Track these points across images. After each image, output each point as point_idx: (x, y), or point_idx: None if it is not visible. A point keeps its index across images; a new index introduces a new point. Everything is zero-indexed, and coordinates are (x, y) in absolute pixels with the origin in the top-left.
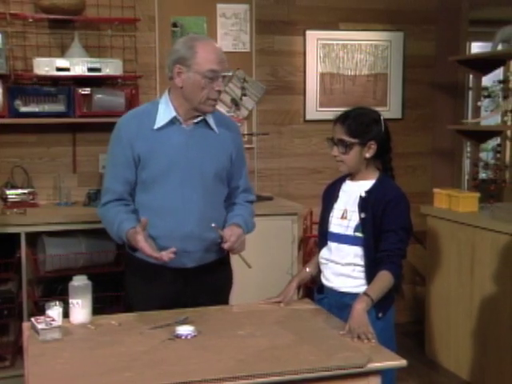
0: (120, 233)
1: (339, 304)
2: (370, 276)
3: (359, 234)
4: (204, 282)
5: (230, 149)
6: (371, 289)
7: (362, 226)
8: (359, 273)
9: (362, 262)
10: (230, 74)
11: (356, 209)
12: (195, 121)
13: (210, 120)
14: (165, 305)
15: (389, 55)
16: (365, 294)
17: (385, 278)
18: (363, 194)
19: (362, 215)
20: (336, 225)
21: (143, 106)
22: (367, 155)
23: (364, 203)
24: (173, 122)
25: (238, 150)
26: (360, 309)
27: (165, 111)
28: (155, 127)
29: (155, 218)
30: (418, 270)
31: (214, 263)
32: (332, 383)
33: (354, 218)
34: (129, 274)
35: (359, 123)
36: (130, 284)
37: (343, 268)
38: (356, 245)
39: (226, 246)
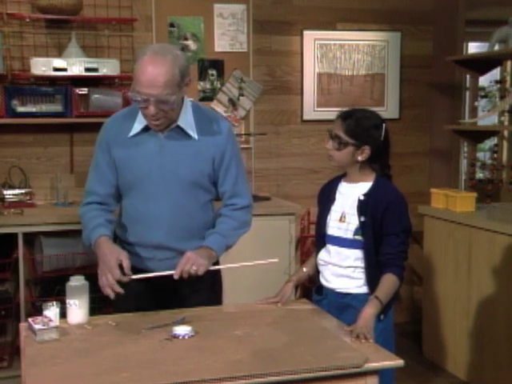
0: (91, 237)
1: (339, 305)
2: (370, 278)
3: (359, 237)
4: (178, 288)
5: (211, 154)
6: (380, 292)
7: (362, 229)
8: (360, 273)
9: (363, 265)
10: (167, 98)
11: (355, 212)
12: (169, 128)
13: (187, 126)
14: (144, 307)
15: (386, 55)
16: (375, 297)
17: (391, 281)
18: (361, 197)
19: (362, 218)
20: (334, 227)
21: (128, 109)
22: (359, 158)
23: (363, 206)
24: (147, 129)
25: (223, 153)
26: (371, 313)
27: (141, 118)
28: (130, 135)
29: (129, 225)
30: (415, 269)
31: None
32: (329, 383)
33: (353, 221)
34: None
35: (359, 125)
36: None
37: (344, 270)
38: (356, 248)
39: (174, 276)
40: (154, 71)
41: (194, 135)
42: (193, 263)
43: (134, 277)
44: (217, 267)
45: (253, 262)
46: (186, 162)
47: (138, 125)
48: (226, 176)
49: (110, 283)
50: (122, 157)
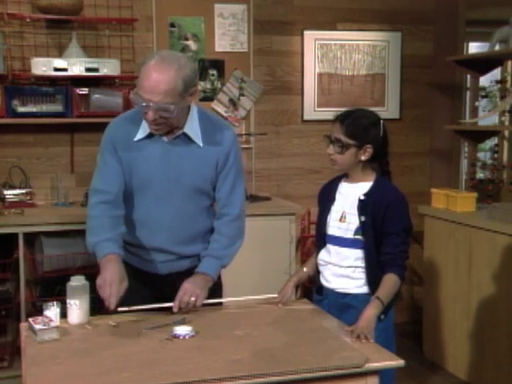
0: (99, 247)
1: (339, 305)
2: (370, 278)
3: (359, 237)
4: (176, 289)
5: (214, 160)
6: (381, 292)
7: (363, 228)
8: (360, 273)
9: (363, 265)
10: (167, 107)
11: (355, 212)
12: (175, 135)
13: (192, 133)
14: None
15: (386, 55)
16: (377, 298)
17: (392, 281)
18: (362, 197)
19: (362, 218)
20: (334, 227)
21: (134, 111)
22: (362, 158)
23: (363, 206)
24: (153, 134)
25: (225, 160)
26: (372, 313)
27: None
28: (135, 139)
29: (131, 227)
30: (415, 270)
31: (189, 270)
32: (330, 383)
33: (354, 220)
34: None
35: (358, 125)
36: None
37: (344, 270)
38: (356, 247)
39: (173, 309)
40: (158, 78)
41: (200, 143)
42: (191, 295)
43: (133, 308)
44: (216, 300)
45: (252, 296)
46: (190, 169)
47: (144, 129)
48: (223, 183)
49: (105, 298)
50: (126, 159)
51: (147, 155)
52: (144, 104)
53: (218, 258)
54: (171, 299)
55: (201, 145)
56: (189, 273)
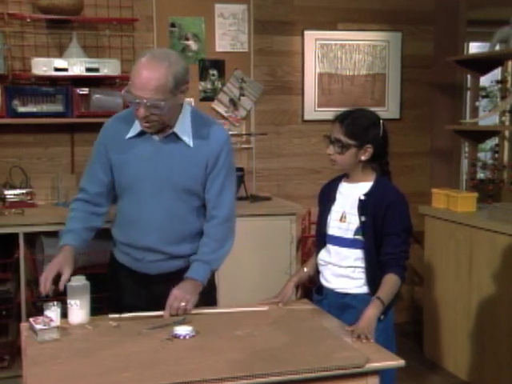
0: (61, 238)
1: (339, 305)
2: (370, 278)
3: (359, 237)
4: (168, 289)
5: (204, 161)
6: (382, 293)
7: (363, 228)
8: (360, 273)
9: (363, 265)
10: (157, 103)
11: (355, 212)
12: (165, 134)
13: (183, 133)
14: (134, 307)
15: (387, 55)
16: (377, 298)
17: (393, 281)
18: (362, 197)
19: (363, 218)
20: (335, 227)
21: (128, 111)
22: (363, 158)
23: (363, 206)
24: (144, 132)
25: (216, 161)
26: (373, 314)
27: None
28: (127, 137)
29: (122, 226)
30: (416, 270)
31: (180, 271)
32: (330, 383)
33: (354, 220)
34: (110, 275)
35: (358, 125)
36: (111, 285)
37: (343, 270)
38: (356, 248)
39: (164, 316)
40: (148, 75)
41: (190, 142)
42: (180, 300)
43: (123, 316)
44: (209, 311)
45: (242, 308)
46: (180, 168)
47: (136, 128)
48: (212, 184)
49: (42, 281)
50: (117, 158)
51: (138, 153)
52: (136, 101)
53: (206, 262)
54: (163, 299)
55: (191, 145)
56: (180, 273)
